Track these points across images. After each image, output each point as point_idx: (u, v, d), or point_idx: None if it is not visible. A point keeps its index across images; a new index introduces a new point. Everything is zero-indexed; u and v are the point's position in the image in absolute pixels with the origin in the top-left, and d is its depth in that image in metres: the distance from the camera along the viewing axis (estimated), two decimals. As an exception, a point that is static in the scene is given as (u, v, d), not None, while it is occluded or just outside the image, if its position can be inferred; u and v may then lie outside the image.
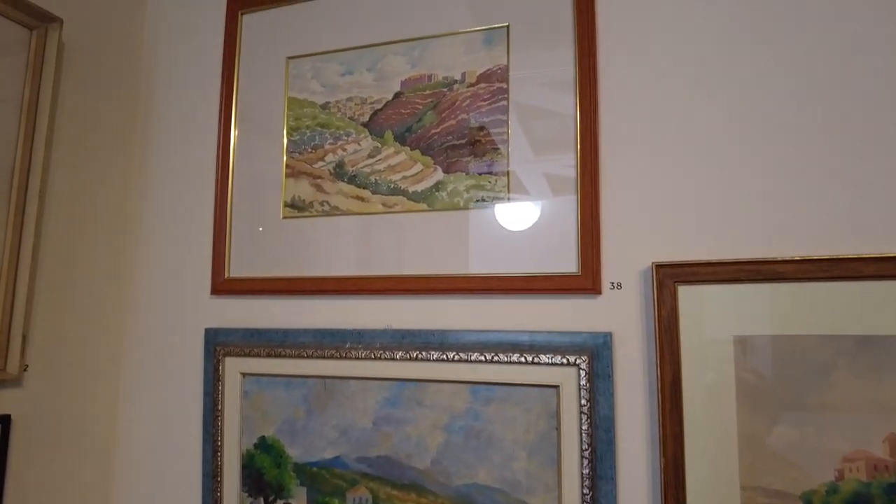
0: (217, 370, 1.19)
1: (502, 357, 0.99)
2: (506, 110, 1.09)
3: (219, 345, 1.20)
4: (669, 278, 0.94)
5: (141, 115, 1.39)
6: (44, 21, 1.15)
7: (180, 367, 1.26)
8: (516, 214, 1.06)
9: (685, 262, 0.94)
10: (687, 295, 0.94)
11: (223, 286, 1.23)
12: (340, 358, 1.10)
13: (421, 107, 1.15)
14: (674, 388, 0.92)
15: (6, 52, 1.10)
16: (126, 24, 1.38)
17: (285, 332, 1.16)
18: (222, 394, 1.19)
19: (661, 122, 1.00)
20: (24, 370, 1.12)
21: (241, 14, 1.32)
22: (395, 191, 1.14)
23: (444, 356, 1.03)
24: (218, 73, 1.32)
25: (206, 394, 1.20)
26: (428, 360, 1.04)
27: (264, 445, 1.16)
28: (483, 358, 1.00)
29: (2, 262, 1.08)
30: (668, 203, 0.98)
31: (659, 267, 0.95)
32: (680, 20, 1.02)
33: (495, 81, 1.11)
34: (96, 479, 1.27)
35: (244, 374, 1.18)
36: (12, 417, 1.09)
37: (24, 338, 1.10)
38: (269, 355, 1.16)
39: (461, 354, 1.02)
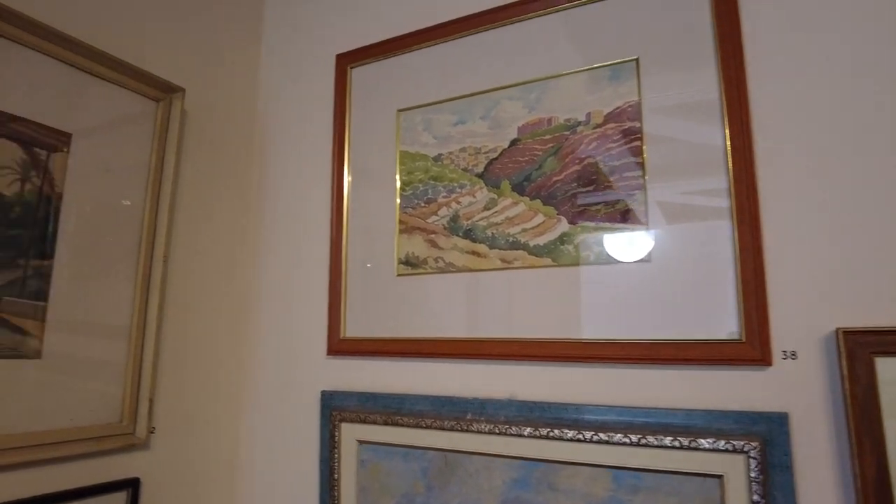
0: (333, 437, 1.14)
1: (651, 440, 0.85)
2: (640, 151, 0.97)
3: (335, 409, 1.15)
4: (863, 348, 0.77)
5: (256, 177, 1.41)
6: (168, 92, 1.19)
7: (296, 430, 1.23)
8: (659, 269, 0.93)
9: (882, 329, 0.77)
10: (889, 368, 0.76)
11: (338, 347, 1.19)
12: (461, 430, 1.01)
13: (541, 153, 1.05)
14: (879, 488, 0.74)
15: (135, 123, 1.15)
16: (241, 87, 1.42)
17: (402, 399, 1.09)
18: (339, 461, 1.13)
19: (831, 147, 0.84)
20: (151, 433, 1.13)
21: (350, 68, 1.31)
22: (515, 245, 1.05)
23: (581, 435, 0.90)
24: (329, 130, 1.30)
25: (322, 460, 1.15)
26: (561, 438, 0.92)
27: (383, 520, 1.09)
28: (628, 440, 0.87)
29: (131, 327, 1.11)
30: (853, 252, 0.81)
31: (848, 333, 0.78)
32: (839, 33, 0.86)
33: (626, 120, 1.00)
34: None
35: (360, 442, 1.12)
36: (141, 480, 1.10)
37: (151, 402, 1.11)
38: (385, 423, 1.09)
39: (601, 435, 0.89)
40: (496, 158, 1.09)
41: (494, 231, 1.07)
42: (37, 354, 0.97)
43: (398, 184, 1.18)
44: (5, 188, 0.95)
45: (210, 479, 1.25)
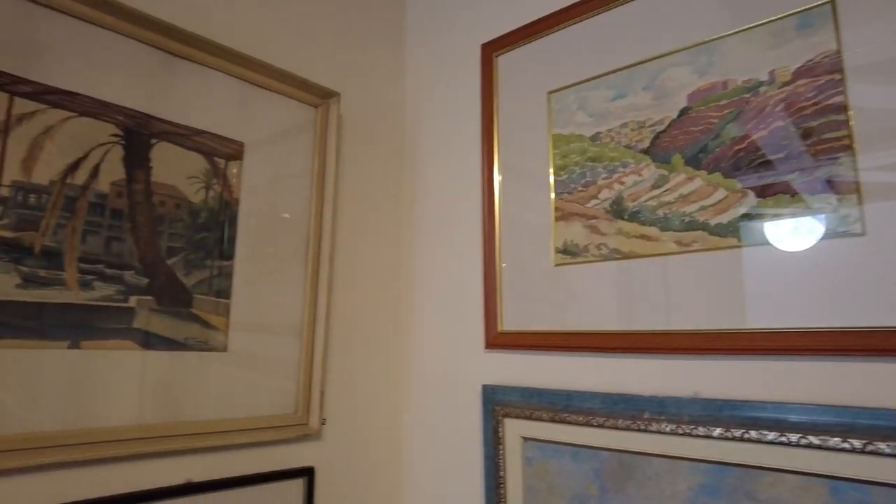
0: (497, 432, 1.11)
1: (882, 446, 0.71)
2: (842, 108, 0.83)
3: (497, 404, 1.12)
4: None
5: (408, 173, 1.43)
6: (326, 97, 1.24)
7: (458, 424, 1.21)
8: (877, 243, 0.78)
9: None
10: None
11: (497, 340, 1.16)
12: (638, 430, 0.93)
13: (717, 120, 0.94)
14: None
15: (298, 129, 1.21)
16: (389, 86, 1.45)
17: (569, 395, 1.03)
18: (503, 458, 1.10)
19: None
20: (323, 423, 1.18)
21: (496, 56, 1.28)
22: (692, 225, 0.94)
23: (785, 438, 0.78)
24: (477, 120, 1.28)
25: (486, 457, 1.13)
26: (759, 441, 0.81)
27: (552, 522, 1.04)
28: (849, 445, 0.73)
29: (302, 324, 1.16)
30: None
31: None
32: None
33: (822, 74, 0.85)
34: None
35: (525, 439, 1.08)
36: (315, 468, 1.15)
37: (322, 394, 1.16)
38: (552, 420, 1.04)
39: (811, 438, 0.76)
40: (664, 131, 0.99)
41: (666, 211, 0.97)
42: (223, 348, 1.06)
43: (552, 169, 1.13)
44: (193, 196, 1.05)
45: (377, 469, 1.28)
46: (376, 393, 1.30)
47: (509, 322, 1.15)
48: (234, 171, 1.10)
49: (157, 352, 0.97)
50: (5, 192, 0.84)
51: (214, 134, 1.08)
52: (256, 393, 1.08)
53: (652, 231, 0.98)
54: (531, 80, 1.20)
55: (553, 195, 1.12)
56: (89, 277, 0.91)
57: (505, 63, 1.26)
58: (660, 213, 0.98)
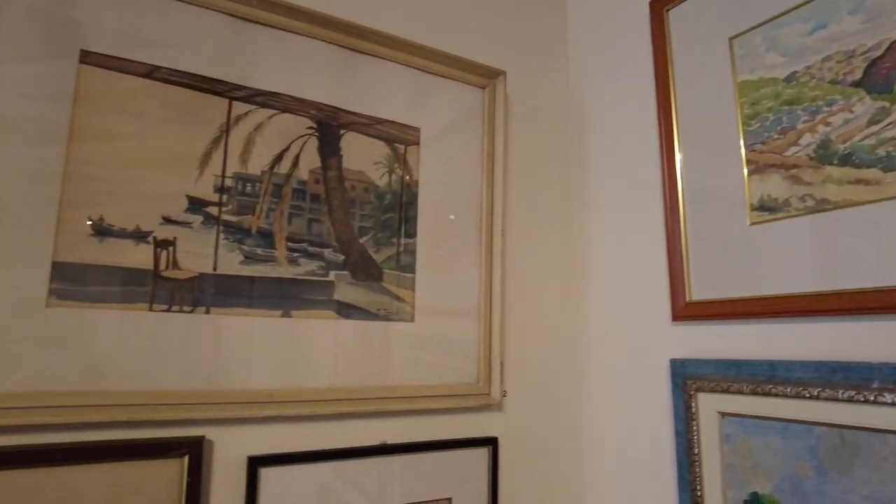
0: (689, 407, 1.04)
1: None
2: None
3: (689, 378, 1.05)
4: None
5: (576, 144, 1.40)
6: (491, 77, 1.27)
7: (644, 401, 1.16)
8: None
9: None
10: None
11: (685, 311, 1.08)
12: (865, 402, 0.80)
13: (955, 34, 0.79)
14: None
15: (469, 112, 1.25)
16: (553, 60, 1.43)
17: (772, 365, 0.93)
18: (698, 436, 1.02)
19: None
20: (504, 395, 1.20)
21: (667, 11, 1.20)
22: (926, 162, 0.80)
23: None
24: (649, 81, 1.22)
25: (678, 433, 1.06)
26: None
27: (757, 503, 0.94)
28: None
29: (479, 297, 1.19)
30: None
31: None
32: None
33: None
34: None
35: (723, 414, 0.99)
36: (498, 439, 1.17)
37: (502, 365, 1.18)
38: (753, 393, 0.94)
39: None
40: (881, 57, 0.85)
41: (890, 148, 0.83)
42: (411, 318, 1.12)
43: (740, 119, 1.03)
44: (378, 180, 1.13)
45: (560, 443, 1.27)
46: (557, 367, 1.29)
47: (698, 291, 1.07)
48: (413, 155, 1.17)
49: (353, 321, 1.06)
50: (229, 182, 0.99)
51: (394, 122, 1.16)
52: (441, 363, 1.14)
53: (871, 174, 0.85)
54: (708, 29, 1.11)
55: (743, 148, 1.02)
56: (295, 255, 1.03)
57: (676, 16, 1.18)
58: (880, 152, 0.84)
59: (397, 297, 1.11)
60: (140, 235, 0.91)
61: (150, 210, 0.92)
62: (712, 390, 1.01)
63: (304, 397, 0.99)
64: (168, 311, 0.91)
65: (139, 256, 0.90)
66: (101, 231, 0.88)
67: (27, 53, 0.86)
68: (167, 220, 0.93)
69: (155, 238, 0.92)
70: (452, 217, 1.19)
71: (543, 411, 1.25)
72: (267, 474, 0.94)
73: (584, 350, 1.32)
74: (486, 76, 1.26)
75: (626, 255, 1.23)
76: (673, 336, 1.11)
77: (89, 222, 0.87)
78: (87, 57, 0.90)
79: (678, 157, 1.13)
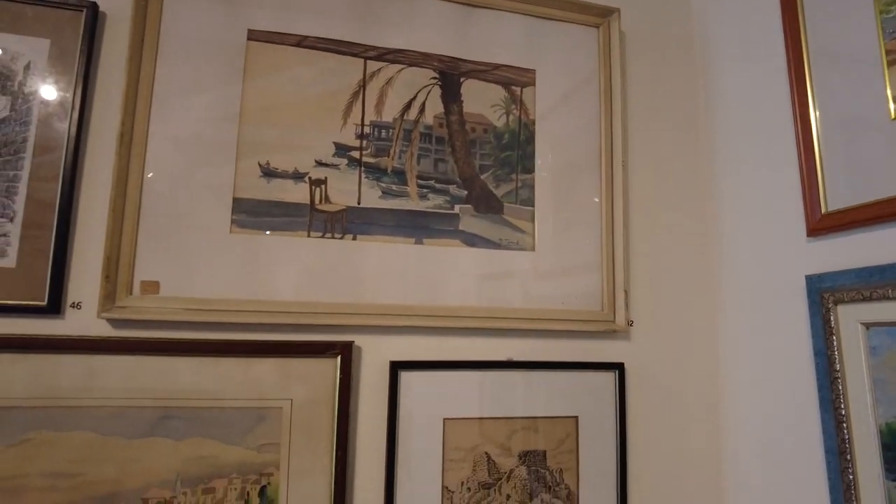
0: (827, 322, 0.98)
1: None
2: None
3: (825, 290, 0.99)
4: None
5: (701, 66, 1.36)
6: (605, 16, 1.29)
7: (779, 321, 1.10)
8: None
9: None
10: None
11: (820, 224, 1.02)
12: None
13: None
14: None
15: (584, 51, 1.29)
16: (675, -4, 1.41)
17: (921, 263, 0.85)
18: (839, 351, 0.96)
19: None
20: (630, 325, 1.22)
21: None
22: None
23: None
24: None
25: (816, 352, 1.00)
26: None
27: (914, 419, 0.86)
28: None
29: (601, 228, 1.22)
30: None
31: None
32: None
33: None
34: (704, 430, 1.24)
35: (867, 325, 0.93)
36: (625, 364, 1.19)
37: (626, 293, 1.20)
38: (899, 297, 0.87)
39: None
40: None
41: None
42: (531, 248, 1.19)
43: (876, 7, 0.95)
44: (496, 121, 1.22)
45: (692, 369, 1.25)
46: (686, 294, 1.27)
47: (834, 201, 1.00)
48: (529, 96, 1.24)
49: (478, 249, 1.16)
50: (367, 129, 1.14)
51: (510, 66, 1.24)
52: (563, 291, 1.19)
53: None
54: (839, -76, 1.03)
55: (881, 36, 0.94)
56: (425, 190, 1.16)
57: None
58: None
59: (518, 229, 1.19)
60: (298, 176, 1.09)
61: (305, 155, 1.10)
62: (853, 300, 0.94)
63: (437, 313, 1.11)
64: (322, 237, 1.09)
65: (298, 193, 1.09)
66: (268, 173, 1.08)
67: (205, 35, 1.08)
68: (319, 163, 1.11)
69: (310, 178, 1.10)
70: (571, 150, 1.24)
71: (674, 338, 1.24)
72: (406, 377, 1.08)
73: (714, 275, 1.28)
74: (600, 15, 1.29)
75: (755, 171, 1.18)
76: (809, 252, 1.05)
77: (259, 167, 1.08)
78: (252, 34, 1.10)
79: (807, 63, 1.06)
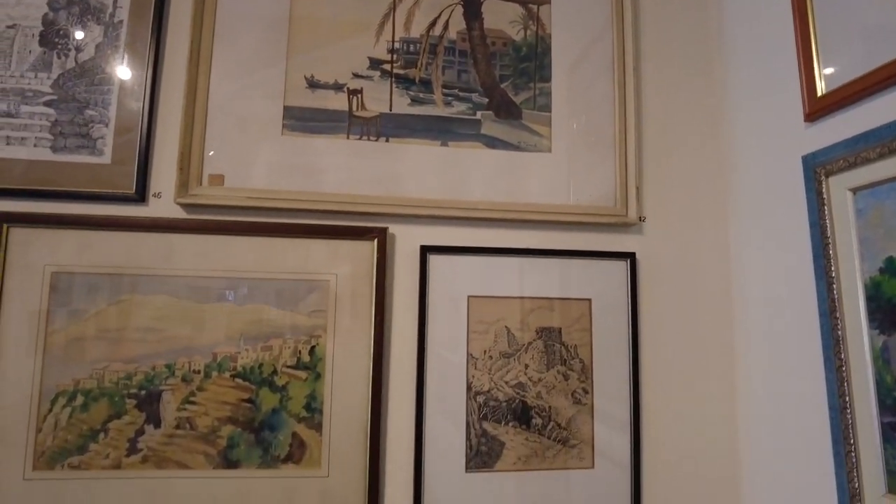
0: (820, 195, 1.05)
1: None
2: None
3: (818, 166, 1.05)
4: None
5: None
6: (620, -63, 1.38)
7: (781, 203, 1.17)
8: None
9: None
10: None
11: (816, 107, 1.08)
12: None
13: None
14: None
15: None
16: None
17: (898, 121, 0.91)
18: (829, 220, 1.03)
19: None
20: (642, 220, 1.31)
21: None
22: None
23: None
24: None
25: (811, 225, 1.07)
26: None
27: (892, 268, 0.93)
28: None
29: (614, 129, 1.32)
30: None
31: None
32: None
33: None
34: (715, 316, 1.32)
35: (854, 191, 0.99)
36: (636, 255, 1.29)
37: (638, 189, 1.30)
38: (881, 156, 0.94)
39: None
40: None
41: None
42: (548, 150, 1.31)
43: None
44: (515, 35, 1.34)
45: (701, 258, 1.34)
46: (695, 189, 1.35)
47: (832, 81, 1.07)
48: (546, 12, 1.35)
49: (498, 151, 1.29)
50: (398, 45, 1.28)
51: (526, -14, 1.36)
52: (578, 187, 1.30)
53: None
54: None
55: (864, -79, 1.00)
56: (449, 98, 1.29)
57: None
58: None
59: (536, 133, 1.31)
60: (338, 87, 1.25)
61: (343, 68, 1.26)
62: (841, 169, 1.01)
63: (461, 206, 1.25)
64: (359, 139, 1.24)
65: (338, 102, 1.25)
66: (313, 84, 1.24)
67: (261, -35, 1.25)
68: (355, 75, 1.26)
69: (348, 88, 1.25)
70: (586, 61, 1.34)
71: (685, 232, 1.33)
72: (434, 259, 1.22)
73: (722, 170, 1.36)
74: (613, -62, 1.38)
75: (757, 56, 1.26)
76: (807, 135, 1.11)
77: (305, 79, 1.24)
78: (297, -36, 1.27)
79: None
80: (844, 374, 1.01)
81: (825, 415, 1.04)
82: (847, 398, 1.00)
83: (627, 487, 1.21)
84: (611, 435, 1.23)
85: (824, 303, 1.05)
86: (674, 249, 1.32)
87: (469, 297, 1.23)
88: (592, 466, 1.21)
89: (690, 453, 1.27)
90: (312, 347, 1.17)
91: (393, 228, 1.23)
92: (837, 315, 1.02)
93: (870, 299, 0.97)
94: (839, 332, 1.02)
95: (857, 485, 0.98)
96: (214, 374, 1.13)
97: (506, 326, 1.23)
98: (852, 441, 0.99)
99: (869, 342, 0.97)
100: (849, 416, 0.99)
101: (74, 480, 1.08)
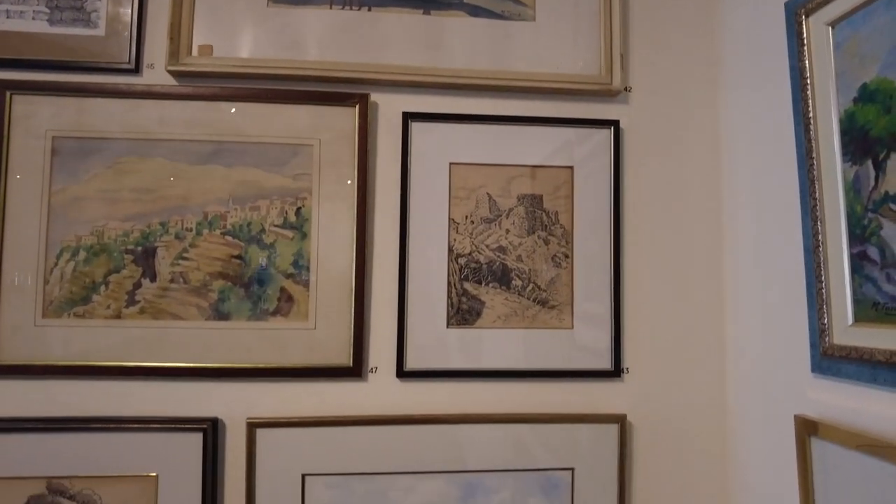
0: (800, 35, 1.02)
1: None
2: None
3: (798, 7, 1.02)
4: None
5: None
6: None
7: (765, 61, 1.16)
8: None
9: None
10: None
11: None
12: None
13: None
14: None
15: None
16: None
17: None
18: (809, 59, 1.01)
19: None
20: (627, 90, 1.30)
21: None
22: None
23: None
24: None
25: (791, 68, 1.05)
26: None
27: (865, 95, 0.91)
28: None
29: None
30: None
31: None
32: None
33: None
34: (701, 182, 1.32)
35: (832, 24, 0.97)
36: (620, 123, 1.29)
37: (623, 57, 1.29)
38: (855, -21, 0.91)
39: None
40: None
41: None
42: (532, 18, 1.30)
43: None
44: None
45: (689, 132, 1.32)
46: (683, 59, 1.33)
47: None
48: None
49: (481, 19, 1.28)
50: (380, -84, 1.29)
51: None
52: (562, 56, 1.29)
53: None
54: None
55: None
56: (433, -31, 1.29)
57: None
58: None
59: (519, 2, 1.30)
60: (321, -41, 1.27)
61: (326, -60, 1.27)
62: (820, 5, 0.98)
63: (443, 73, 1.26)
64: (343, 9, 1.26)
65: (322, -27, 1.26)
66: (297, -43, 1.26)
67: None
68: (339, -53, 1.27)
69: (331, -40, 1.27)
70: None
71: (672, 102, 1.31)
72: (417, 127, 1.24)
73: (714, 41, 1.34)
74: None
75: None
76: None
77: (289, -48, 1.26)
78: None
79: None
80: (818, 214, 1.00)
81: (800, 258, 1.04)
82: (820, 236, 1.00)
83: (607, 346, 1.24)
84: (591, 297, 1.25)
85: (801, 146, 1.03)
86: (660, 119, 1.31)
87: (451, 163, 1.25)
88: (572, 327, 1.24)
89: (672, 311, 1.28)
90: (298, 209, 1.21)
91: (375, 96, 1.25)
92: (814, 155, 1.01)
93: (844, 133, 0.95)
94: (814, 173, 1.01)
95: (825, 321, 0.98)
96: (205, 231, 1.19)
97: (487, 193, 1.25)
98: (823, 278, 0.99)
99: (842, 176, 0.96)
100: (820, 254, 0.99)
101: (79, 328, 1.16)
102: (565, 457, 1.20)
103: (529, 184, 1.26)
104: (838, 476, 0.94)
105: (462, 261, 1.23)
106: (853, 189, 0.94)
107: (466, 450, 1.19)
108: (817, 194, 1.00)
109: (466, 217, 1.24)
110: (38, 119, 1.18)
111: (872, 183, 0.90)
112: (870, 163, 0.91)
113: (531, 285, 1.24)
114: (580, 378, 1.24)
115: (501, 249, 1.24)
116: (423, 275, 1.22)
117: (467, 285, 1.23)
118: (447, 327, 1.22)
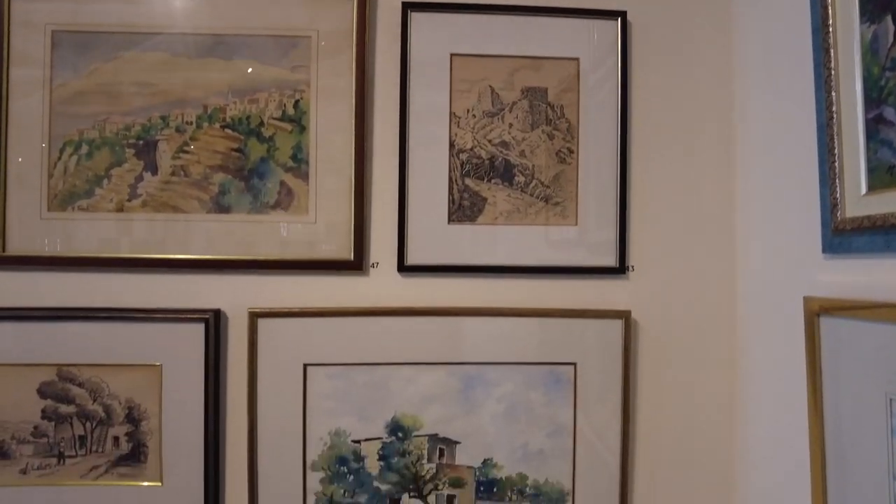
0: None
1: None
2: None
3: None
4: None
5: None
6: None
7: None
8: None
9: None
10: None
11: None
12: None
13: None
14: None
15: None
16: None
17: None
18: (827, -81, 0.95)
19: None
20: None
21: None
22: None
23: None
24: None
25: (809, -66, 0.99)
26: None
27: None
28: None
29: None
30: None
31: None
32: None
33: None
34: (714, 76, 1.27)
35: None
36: (627, 15, 1.23)
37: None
38: None
39: None
40: None
41: None
42: None
43: None
44: None
45: (700, 23, 1.27)
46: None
47: None
48: None
49: None
50: None
51: None
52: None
53: None
54: None
55: None
56: None
57: None
58: None
59: None
60: None
61: None
62: None
63: (444, -37, 1.22)
64: None
65: None
66: None
67: None
68: None
69: None
70: None
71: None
72: (416, 17, 1.21)
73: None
74: None
75: None
76: None
77: None
78: None
79: None
80: (832, 83, 0.95)
81: (813, 136, 0.99)
82: (834, 107, 0.95)
83: (613, 243, 1.21)
84: (596, 193, 1.22)
85: (816, 12, 0.98)
86: (669, 10, 1.26)
87: (452, 55, 1.21)
88: (576, 224, 1.22)
89: (680, 207, 1.24)
90: (296, 101, 1.19)
91: (376, -12, 1.22)
92: (829, 23, 0.95)
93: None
94: (829, 40, 0.95)
95: (837, 195, 0.94)
96: (205, 124, 1.19)
97: (490, 86, 1.22)
98: (836, 151, 0.94)
99: (859, 38, 0.91)
100: (834, 126, 0.94)
101: (83, 221, 1.18)
102: (568, 352, 1.19)
103: (534, 76, 1.22)
104: (847, 353, 0.91)
105: (463, 156, 1.21)
106: (870, 50, 0.88)
107: (468, 342, 1.18)
108: (832, 63, 0.95)
109: (468, 111, 1.21)
110: (36, 12, 1.18)
111: (891, 39, 0.85)
112: (889, 18, 0.85)
113: (535, 181, 1.21)
114: (584, 275, 1.22)
115: (504, 144, 1.22)
116: (423, 171, 1.20)
117: (469, 181, 1.21)
118: (448, 223, 1.20)
